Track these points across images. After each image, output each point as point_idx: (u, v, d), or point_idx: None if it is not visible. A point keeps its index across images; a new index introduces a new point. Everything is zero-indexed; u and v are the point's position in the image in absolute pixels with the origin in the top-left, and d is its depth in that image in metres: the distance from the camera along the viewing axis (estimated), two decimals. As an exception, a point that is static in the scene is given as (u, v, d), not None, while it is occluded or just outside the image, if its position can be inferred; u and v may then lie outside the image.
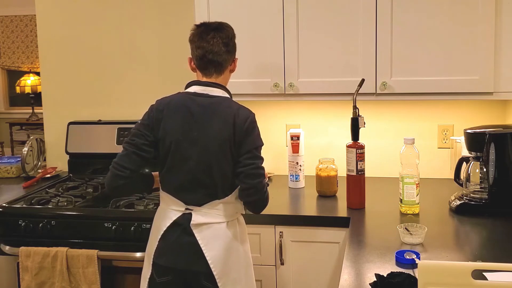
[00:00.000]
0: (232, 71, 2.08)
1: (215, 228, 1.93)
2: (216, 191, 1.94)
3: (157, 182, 2.06)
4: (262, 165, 1.95)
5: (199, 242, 1.91)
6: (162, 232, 1.96)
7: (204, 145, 1.91)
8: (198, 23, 2.04)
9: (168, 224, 1.95)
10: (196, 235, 1.92)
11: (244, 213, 2.05)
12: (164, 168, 1.98)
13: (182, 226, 1.93)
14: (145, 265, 2.03)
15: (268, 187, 1.99)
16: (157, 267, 1.97)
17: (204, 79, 2.01)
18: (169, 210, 1.97)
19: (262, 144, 1.96)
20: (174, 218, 1.95)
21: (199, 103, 1.94)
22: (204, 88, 1.98)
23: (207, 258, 1.90)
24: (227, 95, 2.01)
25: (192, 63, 2.04)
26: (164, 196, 2.01)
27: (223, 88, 2.01)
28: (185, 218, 1.94)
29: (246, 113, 1.94)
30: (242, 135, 1.91)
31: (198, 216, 1.93)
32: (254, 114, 1.97)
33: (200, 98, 1.95)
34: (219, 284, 1.90)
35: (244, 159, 1.91)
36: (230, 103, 1.97)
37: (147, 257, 2.02)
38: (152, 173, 2.08)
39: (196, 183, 1.93)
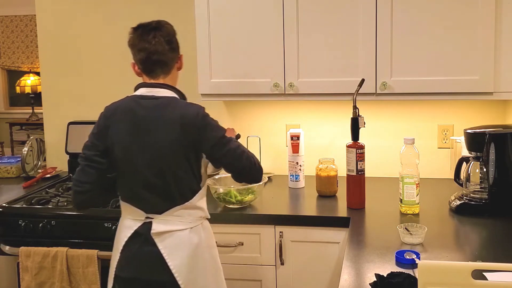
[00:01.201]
0: (179, 69, 2.02)
1: (177, 235, 1.88)
2: (173, 197, 1.88)
3: None
4: (234, 142, 1.91)
5: (162, 251, 1.86)
6: (123, 244, 1.91)
7: (152, 149, 1.85)
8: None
9: (129, 235, 1.90)
10: (158, 244, 1.86)
11: (209, 217, 2.01)
12: (118, 176, 1.93)
13: (143, 236, 1.88)
14: (109, 278, 1.97)
15: (251, 154, 1.96)
16: (119, 280, 1.93)
17: (152, 82, 1.94)
18: (129, 220, 1.93)
19: (224, 130, 1.91)
20: (135, 228, 1.90)
21: (144, 105, 1.88)
22: (151, 89, 1.91)
23: (171, 267, 1.85)
24: (175, 95, 1.93)
25: (136, 67, 1.96)
26: (123, 206, 1.96)
27: (171, 88, 1.94)
28: (146, 228, 1.88)
29: (193, 111, 1.87)
30: (197, 134, 1.85)
31: (159, 225, 1.87)
32: (203, 108, 1.90)
33: (145, 100, 1.89)
34: None
35: (216, 153, 1.88)
36: (176, 103, 1.89)
37: (110, 270, 1.96)
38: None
39: (151, 189, 1.87)
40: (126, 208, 1.95)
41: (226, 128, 2.10)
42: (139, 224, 1.90)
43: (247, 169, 1.92)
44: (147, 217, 1.90)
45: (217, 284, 1.98)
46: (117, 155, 1.90)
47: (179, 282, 1.86)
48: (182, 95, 1.98)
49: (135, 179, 1.89)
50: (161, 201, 1.88)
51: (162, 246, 1.87)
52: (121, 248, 1.92)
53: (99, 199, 2.03)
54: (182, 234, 1.89)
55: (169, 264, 1.86)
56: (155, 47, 1.90)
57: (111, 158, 1.92)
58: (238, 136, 2.34)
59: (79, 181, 1.90)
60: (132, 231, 1.90)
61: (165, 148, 1.85)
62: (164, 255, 1.86)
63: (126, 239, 1.91)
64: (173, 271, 1.85)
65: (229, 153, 1.88)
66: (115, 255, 1.95)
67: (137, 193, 1.90)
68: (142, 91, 1.93)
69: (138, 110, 1.88)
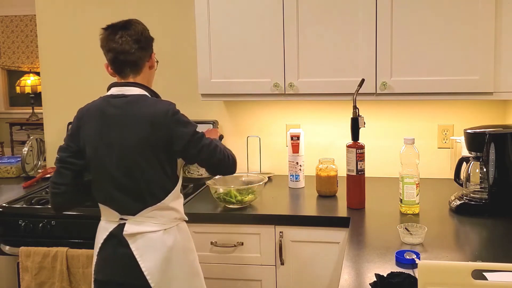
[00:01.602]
0: (151, 67, 1.99)
1: (149, 237, 1.85)
2: (143, 197, 1.86)
3: None
4: (206, 138, 1.89)
5: (134, 253, 1.84)
6: (99, 246, 1.91)
7: (121, 148, 1.84)
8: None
9: (105, 237, 1.90)
10: (130, 245, 1.85)
11: (186, 219, 2.00)
12: (92, 177, 1.93)
13: (117, 237, 1.87)
14: (92, 282, 1.98)
15: (223, 147, 1.95)
16: (97, 283, 1.94)
17: (122, 81, 1.94)
18: (105, 222, 1.93)
19: (196, 126, 1.90)
20: (110, 229, 1.89)
21: (113, 104, 1.87)
22: (120, 88, 1.91)
23: (143, 270, 1.83)
24: (145, 93, 1.91)
25: (109, 68, 1.96)
26: (100, 207, 1.95)
27: (141, 86, 1.92)
28: (120, 229, 1.87)
29: (163, 108, 1.85)
30: (167, 132, 1.83)
31: (132, 226, 1.86)
32: (174, 104, 1.88)
33: (115, 99, 1.88)
34: None
35: (190, 150, 1.86)
36: (145, 101, 1.87)
37: (92, 274, 1.97)
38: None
39: (121, 190, 1.86)
40: (102, 210, 1.95)
41: (210, 129, 2.13)
42: (114, 225, 1.89)
43: (222, 162, 1.92)
44: (121, 219, 1.89)
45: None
46: (88, 155, 1.90)
47: (152, 285, 1.83)
48: (154, 94, 1.96)
49: (106, 180, 1.88)
50: (132, 201, 1.87)
51: (135, 247, 1.85)
52: (97, 250, 1.92)
53: (75, 200, 1.99)
54: (155, 236, 1.86)
55: (141, 266, 1.84)
56: (122, 46, 1.88)
57: (85, 160, 1.92)
58: (221, 137, 2.32)
59: (55, 183, 1.91)
60: (107, 233, 1.90)
61: (133, 146, 1.83)
62: (136, 257, 1.84)
63: (102, 241, 1.91)
64: (145, 273, 1.83)
65: (204, 148, 1.87)
66: (94, 258, 1.96)
67: (109, 194, 1.89)
68: (113, 91, 1.92)
69: (107, 109, 1.88)
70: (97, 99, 1.95)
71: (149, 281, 1.83)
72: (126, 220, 1.88)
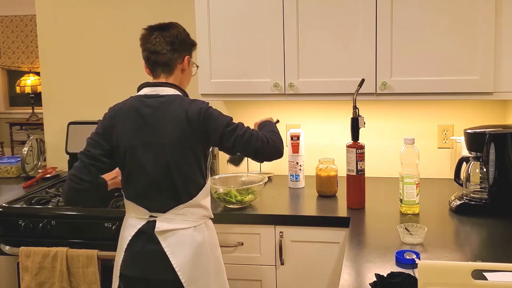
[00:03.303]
0: (183, 70, 2.01)
1: (180, 234, 1.89)
2: (178, 194, 1.89)
3: (113, 184, 2.00)
4: (242, 127, 1.91)
5: (165, 249, 1.87)
6: (127, 242, 1.92)
7: (159, 147, 1.87)
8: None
9: (133, 233, 1.91)
10: (161, 242, 1.88)
11: (212, 217, 2.03)
12: (124, 176, 1.95)
13: (147, 234, 1.89)
14: (113, 277, 1.99)
15: (261, 134, 1.95)
16: (124, 278, 1.94)
17: (155, 81, 1.98)
18: (133, 219, 1.94)
19: (230, 118, 1.93)
20: (139, 226, 1.91)
21: (148, 104, 1.90)
22: (154, 88, 1.94)
23: (174, 266, 1.86)
24: (179, 93, 1.95)
25: (145, 66, 2.01)
26: (128, 205, 1.97)
27: (175, 86, 1.96)
28: (150, 226, 1.89)
29: (197, 106, 1.89)
30: (202, 127, 1.87)
31: (163, 223, 1.89)
32: (207, 103, 1.93)
33: (150, 99, 1.91)
34: None
35: (225, 142, 1.89)
36: (181, 101, 1.91)
37: (115, 269, 1.98)
38: (102, 176, 1.96)
39: (157, 188, 1.89)
40: (130, 207, 1.96)
41: (265, 119, 2.17)
42: (143, 222, 1.91)
43: (261, 150, 1.92)
44: (150, 216, 1.91)
45: (220, 284, 1.98)
46: (122, 154, 1.91)
47: (182, 281, 1.86)
48: (185, 94, 2.00)
49: (141, 179, 1.90)
50: (167, 199, 1.90)
51: (166, 244, 1.88)
52: (125, 246, 1.93)
53: (92, 198, 2.00)
54: (185, 233, 1.90)
55: (172, 262, 1.86)
56: (155, 47, 1.94)
57: (115, 159, 1.93)
58: (277, 122, 2.30)
59: (80, 178, 1.87)
60: (136, 230, 1.92)
61: (171, 145, 1.87)
62: (167, 253, 1.87)
63: (130, 237, 1.92)
64: (176, 269, 1.86)
65: (237, 139, 1.89)
66: (120, 254, 1.96)
67: (143, 192, 1.91)
68: (145, 91, 1.95)
69: (142, 109, 1.90)
70: (128, 99, 1.97)
71: (180, 277, 1.86)
72: (156, 217, 1.91)
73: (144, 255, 1.90)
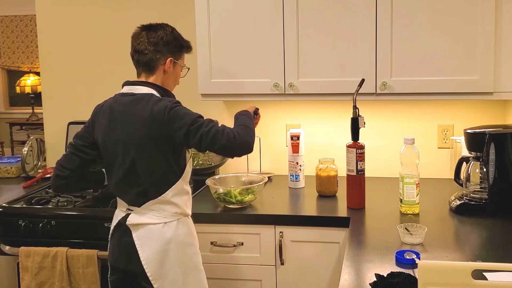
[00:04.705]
0: (166, 72, 2.03)
1: (149, 228, 1.94)
2: (146, 190, 1.94)
3: None
4: (208, 124, 1.89)
5: (135, 242, 1.94)
6: (111, 232, 2.04)
7: (125, 143, 1.93)
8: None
9: (114, 224, 2.02)
10: (133, 235, 1.95)
11: (188, 214, 2.04)
12: (105, 170, 2.06)
13: (123, 226, 1.98)
14: None
15: (231, 129, 1.93)
16: (109, 266, 2.06)
17: (134, 80, 2.03)
18: (118, 210, 2.05)
19: (197, 115, 1.91)
20: (119, 218, 2.00)
21: (121, 102, 1.97)
22: (131, 87, 2.00)
23: (141, 259, 1.92)
24: (153, 92, 1.97)
25: None
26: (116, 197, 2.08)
27: (152, 86, 1.99)
28: (126, 219, 1.98)
29: (163, 104, 1.89)
30: (167, 126, 1.88)
31: (135, 216, 1.96)
32: (173, 101, 1.92)
33: (124, 97, 1.98)
34: (154, 286, 1.92)
35: (191, 140, 1.89)
36: (149, 99, 1.92)
37: None
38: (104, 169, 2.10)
39: (127, 182, 1.96)
40: (117, 199, 2.06)
41: (246, 109, 2.17)
42: (123, 214, 2.00)
43: (227, 146, 1.90)
44: (128, 209, 1.99)
45: (192, 283, 1.99)
46: (101, 149, 2.01)
47: (148, 274, 1.92)
48: (166, 93, 2.01)
49: (114, 173, 2.00)
50: (136, 194, 1.96)
51: (136, 237, 1.95)
52: (109, 237, 2.06)
53: (75, 186, 2.13)
54: (154, 228, 1.94)
55: (140, 255, 1.93)
56: (139, 46, 2.00)
57: (98, 152, 2.04)
58: (256, 111, 2.28)
59: (62, 166, 2.01)
60: (117, 221, 2.02)
61: (136, 142, 1.91)
62: (137, 246, 1.94)
63: (112, 228, 2.04)
64: (143, 262, 1.92)
65: (203, 136, 1.88)
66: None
67: (117, 186, 2.01)
68: (124, 89, 2.03)
69: (115, 107, 1.97)
70: (112, 96, 2.04)
71: (146, 270, 1.92)
72: (132, 210, 1.98)
73: (119, 246, 1.99)
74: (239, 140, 1.91)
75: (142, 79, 2.02)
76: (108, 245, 2.06)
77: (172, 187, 1.95)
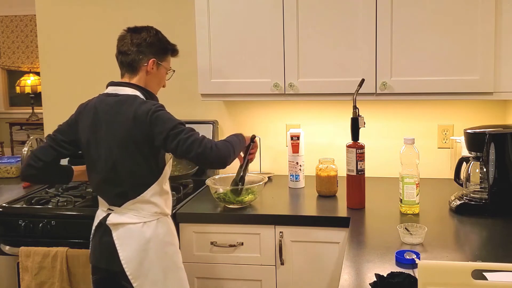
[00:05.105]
0: (149, 72, 2.04)
1: (129, 228, 1.96)
2: (125, 190, 1.96)
3: (82, 176, 2.13)
4: (187, 132, 1.90)
5: (115, 242, 1.96)
6: (92, 233, 2.06)
7: (108, 143, 1.95)
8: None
9: (96, 224, 2.04)
10: (113, 234, 1.97)
11: (168, 214, 2.05)
12: (87, 169, 2.07)
13: (103, 226, 2.00)
14: None
15: (209, 140, 1.92)
16: (91, 266, 2.09)
17: (119, 81, 2.05)
18: (99, 211, 2.07)
19: (179, 122, 1.92)
20: (100, 218, 2.02)
21: (106, 103, 1.99)
22: (116, 88, 2.03)
23: (121, 258, 1.95)
24: (137, 93, 1.99)
25: None
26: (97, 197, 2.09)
27: (136, 87, 2.01)
28: (106, 219, 2.00)
29: (147, 107, 1.92)
30: (149, 128, 1.90)
31: (115, 216, 1.98)
32: (157, 104, 1.94)
33: (108, 98, 2.00)
34: (134, 285, 1.94)
35: (168, 145, 1.90)
36: (133, 101, 1.95)
37: None
38: (74, 167, 2.13)
39: (107, 182, 1.99)
40: (99, 199, 2.07)
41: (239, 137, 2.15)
42: (104, 215, 2.02)
43: (201, 156, 1.89)
44: (108, 209, 2.01)
45: (173, 282, 2.01)
46: (83, 148, 2.04)
47: (128, 273, 1.94)
48: (150, 95, 2.03)
49: (96, 172, 2.02)
50: (116, 194, 1.98)
51: (116, 236, 1.97)
52: (91, 237, 2.08)
53: (44, 179, 2.16)
54: (134, 227, 1.97)
55: (120, 255, 1.95)
56: (123, 47, 2.04)
57: (79, 150, 2.06)
58: (253, 137, 2.28)
59: (37, 157, 2.01)
60: (98, 221, 2.04)
61: (118, 143, 1.94)
62: (116, 245, 1.96)
63: (94, 227, 2.06)
64: (122, 261, 1.94)
65: (180, 143, 1.89)
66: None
67: (98, 185, 2.04)
68: (108, 89, 2.05)
69: (100, 107, 1.99)
70: (96, 96, 2.06)
71: (125, 269, 1.94)
72: (113, 210, 2.00)
73: (100, 246, 2.02)
74: (215, 152, 1.91)
75: (126, 79, 2.04)
76: (90, 245, 2.08)
77: (151, 187, 1.97)
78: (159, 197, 2.00)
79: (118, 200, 1.98)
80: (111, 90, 2.02)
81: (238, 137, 2.15)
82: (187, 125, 1.95)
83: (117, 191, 1.97)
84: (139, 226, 1.96)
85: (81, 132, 2.02)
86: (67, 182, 2.23)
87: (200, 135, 1.93)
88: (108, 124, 1.95)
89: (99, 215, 2.04)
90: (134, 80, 2.03)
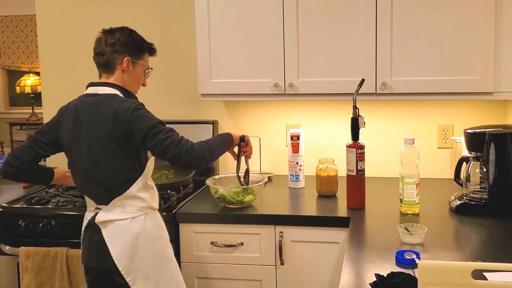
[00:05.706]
0: (125, 71, 2.06)
1: (118, 224, 1.98)
2: (110, 187, 1.98)
3: (62, 179, 2.20)
4: (167, 132, 1.92)
5: (105, 239, 1.98)
6: (82, 234, 2.07)
7: (89, 142, 1.97)
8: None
9: (85, 225, 2.05)
10: (102, 232, 1.98)
11: (156, 208, 2.07)
12: (71, 170, 2.09)
13: (92, 225, 2.01)
14: None
15: (187, 141, 1.93)
16: (83, 267, 2.09)
17: (98, 81, 2.08)
18: (87, 211, 2.08)
19: (159, 121, 1.94)
20: (89, 218, 2.04)
21: (86, 103, 2.02)
22: (95, 88, 2.05)
23: (112, 255, 1.96)
24: (117, 92, 2.02)
25: None
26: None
27: (115, 86, 2.03)
28: (94, 218, 2.01)
29: (127, 105, 1.95)
30: (128, 126, 1.92)
31: (103, 214, 2.00)
32: (137, 103, 1.97)
33: (88, 98, 2.03)
34: (127, 280, 1.97)
35: (147, 144, 1.92)
36: (113, 100, 1.98)
37: None
38: (55, 168, 2.19)
39: (92, 181, 2.00)
40: (86, 199, 2.08)
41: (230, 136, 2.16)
42: (92, 214, 2.03)
43: (177, 157, 1.92)
44: (96, 208, 2.03)
45: (165, 274, 2.03)
46: (65, 149, 2.06)
47: (120, 269, 1.96)
48: (129, 94, 2.06)
49: (79, 172, 2.04)
50: (102, 192, 2.00)
51: (106, 234, 1.98)
52: (81, 238, 2.08)
53: (23, 178, 2.20)
54: (122, 223, 1.98)
55: (110, 251, 1.96)
56: (98, 49, 2.07)
57: (61, 152, 2.08)
58: (242, 138, 2.27)
59: (16, 156, 2.05)
60: (87, 222, 2.05)
61: (99, 141, 1.96)
62: (107, 242, 1.97)
63: (83, 228, 2.06)
64: (114, 258, 1.96)
65: (158, 142, 1.91)
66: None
67: (83, 185, 2.06)
68: (88, 90, 2.08)
69: (80, 107, 2.02)
70: (77, 98, 2.09)
71: (117, 265, 1.96)
72: (100, 209, 2.02)
73: (90, 245, 2.02)
74: (190, 153, 1.92)
75: (104, 79, 2.07)
76: (81, 246, 2.09)
77: (136, 182, 1.99)
78: (145, 191, 2.02)
79: (104, 198, 1.99)
80: (91, 90, 2.05)
81: (223, 136, 2.18)
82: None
83: (102, 189, 1.99)
84: (128, 222, 1.98)
85: (63, 134, 2.04)
86: (46, 184, 2.28)
87: (179, 136, 1.94)
88: (88, 123, 1.97)
89: (87, 216, 2.05)
90: (111, 80, 2.05)
